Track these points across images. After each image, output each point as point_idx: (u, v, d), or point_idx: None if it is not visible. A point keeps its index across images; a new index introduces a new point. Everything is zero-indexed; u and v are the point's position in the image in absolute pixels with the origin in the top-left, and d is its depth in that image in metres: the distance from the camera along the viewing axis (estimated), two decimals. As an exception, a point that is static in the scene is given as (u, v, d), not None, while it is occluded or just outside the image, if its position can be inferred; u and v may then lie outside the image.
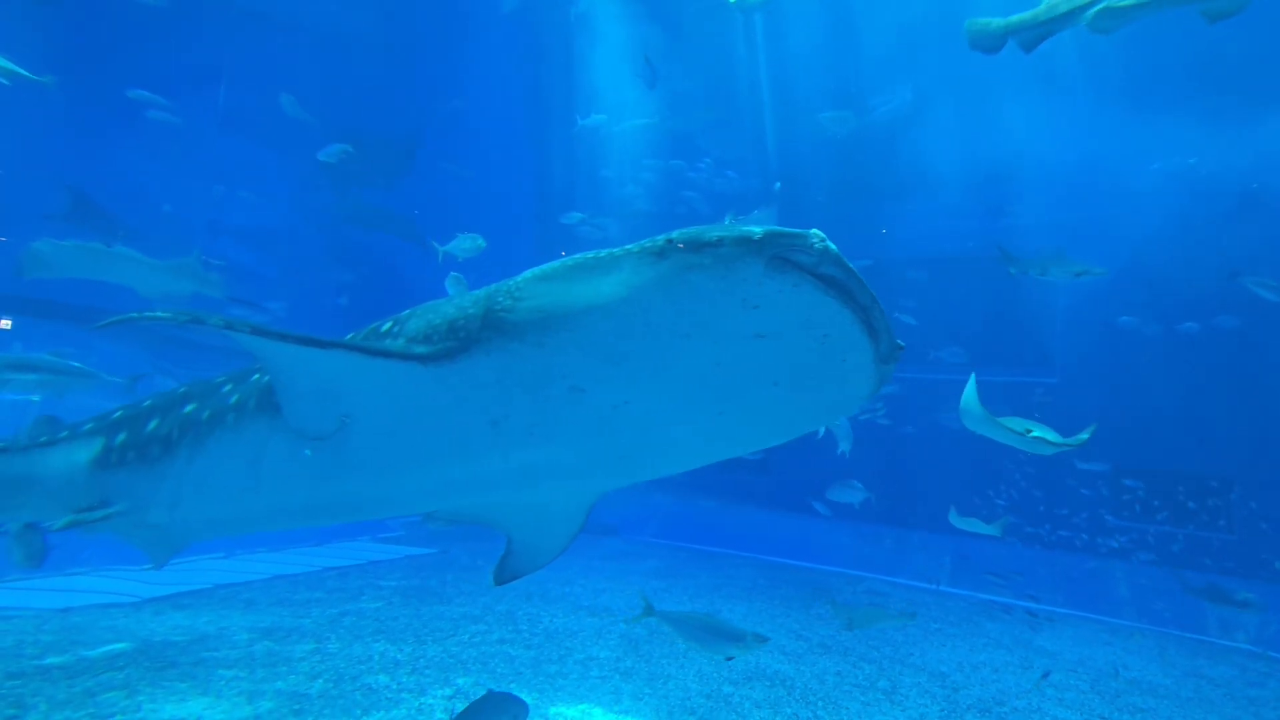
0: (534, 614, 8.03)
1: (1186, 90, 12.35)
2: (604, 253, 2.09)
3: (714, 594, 9.91)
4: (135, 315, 2.21)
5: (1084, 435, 4.77)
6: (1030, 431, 4.74)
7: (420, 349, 2.24)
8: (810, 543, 13.48)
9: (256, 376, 2.80)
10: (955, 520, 7.80)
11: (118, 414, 3.31)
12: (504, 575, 3.16)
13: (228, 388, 2.89)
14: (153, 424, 3.01)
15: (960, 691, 6.50)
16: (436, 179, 18.21)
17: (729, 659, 5.64)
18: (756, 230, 1.89)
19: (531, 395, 2.17)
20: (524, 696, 5.50)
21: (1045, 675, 7.12)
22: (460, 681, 5.73)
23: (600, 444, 2.33)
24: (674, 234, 1.99)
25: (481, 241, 9.63)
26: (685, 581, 10.67)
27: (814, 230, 1.90)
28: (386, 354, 2.20)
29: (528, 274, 2.21)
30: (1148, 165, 13.02)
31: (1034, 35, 5.24)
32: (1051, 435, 4.73)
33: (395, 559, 11.29)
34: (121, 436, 3.11)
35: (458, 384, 2.21)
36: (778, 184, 11.61)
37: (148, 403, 3.22)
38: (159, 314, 2.16)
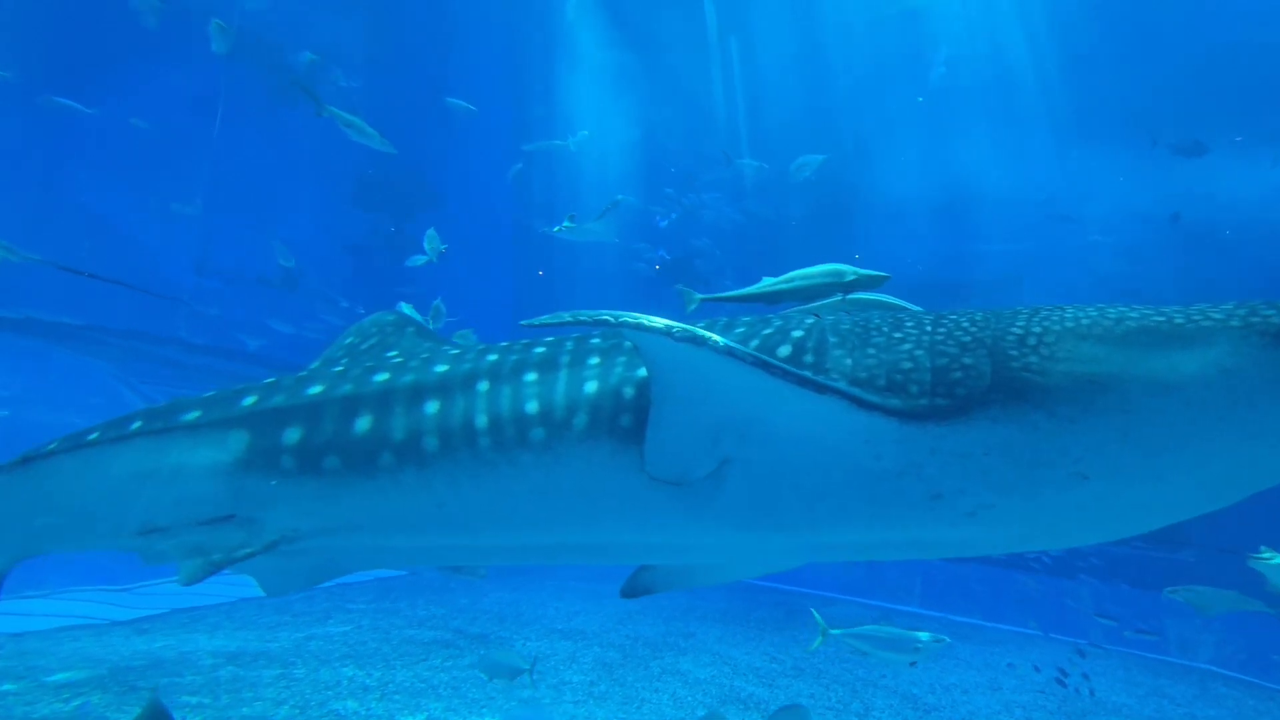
0: (507, 637, 7.95)
1: (1132, 127, 12.91)
2: (1177, 316, 1.70)
3: (688, 616, 9.89)
4: (611, 318, 1.66)
5: None
6: None
7: (894, 401, 1.72)
8: (782, 565, 13.53)
9: (531, 376, 2.09)
10: None
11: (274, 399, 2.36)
12: (636, 589, 2.65)
13: (483, 387, 2.14)
14: (363, 424, 2.20)
15: (932, 713, 6.57)
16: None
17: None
18: None
19: (1018, 476, 1.69)
20: (498, 721, 5.46)
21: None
22: (432, 707, 5.65)
23: (1031, 531, 1.88)
24: None
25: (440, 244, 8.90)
26: (660, 602, 10.64)
27: None
28: (868, 405, 1.70)
29: (1051, 324, 1.76)
30: (1099, 196, 13.58)
31: None
32: None
33: (364, 581, 11.09)
34: (300, 434, 2.26)
35: (923, 447, 1.71)
36: (619, 196, 11.74)
37: (313, 388, 2.33)
38: (639, 320, 1.64)
